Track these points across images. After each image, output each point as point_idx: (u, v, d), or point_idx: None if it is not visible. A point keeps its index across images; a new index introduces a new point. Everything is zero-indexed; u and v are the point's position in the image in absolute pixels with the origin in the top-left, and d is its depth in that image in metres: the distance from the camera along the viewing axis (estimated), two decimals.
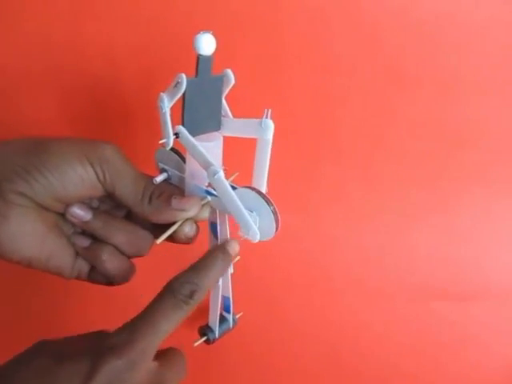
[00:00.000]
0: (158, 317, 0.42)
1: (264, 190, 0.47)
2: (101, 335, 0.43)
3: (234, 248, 0.48)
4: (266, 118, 0.43)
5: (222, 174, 0.43)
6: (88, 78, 0.71)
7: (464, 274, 0.83)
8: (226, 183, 0.44)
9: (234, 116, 0.49)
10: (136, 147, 0.73)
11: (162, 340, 0.42)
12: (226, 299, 0.57)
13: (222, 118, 0.48)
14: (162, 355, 0.44)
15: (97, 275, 0.53)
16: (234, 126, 0.47)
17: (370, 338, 0.78)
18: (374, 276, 0.83)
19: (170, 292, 0.43)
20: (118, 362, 0.39)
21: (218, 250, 0.48)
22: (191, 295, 0.43)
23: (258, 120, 0.44)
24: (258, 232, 0.44)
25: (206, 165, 0.44)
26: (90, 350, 0.40)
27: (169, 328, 0.42)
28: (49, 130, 0.73)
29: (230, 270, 0.56)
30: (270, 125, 0.43)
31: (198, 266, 0.46)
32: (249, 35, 0.71)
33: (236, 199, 0.44)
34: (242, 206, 0.44)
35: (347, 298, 0.81)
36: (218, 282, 0.53)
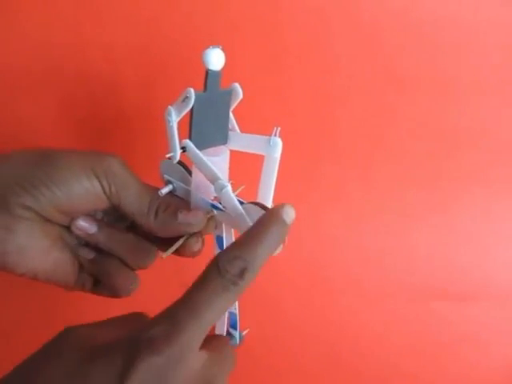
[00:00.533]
0: (202, 303, 0.35)
1: (270, 205, 0.46)
2: (138, 321, 0.40)
3: (291, 215, 0.40)
4: (275, 135, 0.43)
5: (229, 188, 0.43)
6: (88, 78, 0.71)
7: (464, 274, 0.84)
8: (234, 197, 0.43)
9: (238, 124, 0.48)
10: (135, 148, 0.73)
11: (208, 331, 0.35)
12: (232, 315, 0.55)
13: (229, 132, 0.47)
14: (207, 346, 0.37)
15: (101, 287, 0.52)
16: (242, 141, 0.47)
17: (370, 338, 0.79)
18: (373, 276, 0.83)
19: (216, 270, 0.36)
20: (156, 359, 0.33)
21: (271, 219, 0.39)
22: (241, 274, 0.36)
23: (266, 137, 0.43)
24: None
25: (214, 179, 0.43)
26: (125, 343, 0.34)
27: (215, 316, 0.35)
28: (48, 130, 0.73)
29: None
30: (279, 143, 0.42)
31: (249, 239, 0.38)
32: (248, 35, 0.71)
33: (244, 214, 0.43)
34: (249, 221, 0.43)
35: (347, 298, 0.81)
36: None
